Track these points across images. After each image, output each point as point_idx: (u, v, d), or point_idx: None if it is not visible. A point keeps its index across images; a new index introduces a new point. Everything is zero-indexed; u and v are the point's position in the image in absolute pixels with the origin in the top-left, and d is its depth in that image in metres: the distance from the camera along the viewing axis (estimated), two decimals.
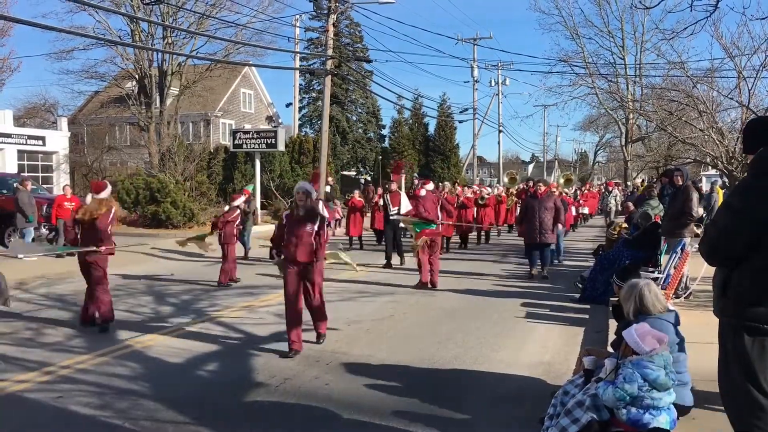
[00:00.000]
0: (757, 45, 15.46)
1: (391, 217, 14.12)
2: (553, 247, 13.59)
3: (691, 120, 17.17)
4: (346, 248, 17.01)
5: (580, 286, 10.60)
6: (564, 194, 19.46)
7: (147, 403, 5.49)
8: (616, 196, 24.79)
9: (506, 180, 23.94)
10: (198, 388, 6.03)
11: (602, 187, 36.01)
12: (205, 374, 6.49)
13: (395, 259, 14.97)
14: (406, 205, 12.57)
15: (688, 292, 9.22)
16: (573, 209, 22.04)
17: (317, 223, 7.18)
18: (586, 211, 28.08)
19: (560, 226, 12.69)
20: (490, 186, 28.63)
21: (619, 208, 23.61)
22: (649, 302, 4.56)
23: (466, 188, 20.41)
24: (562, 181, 23.46)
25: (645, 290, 4.62)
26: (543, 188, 13.21)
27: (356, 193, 19.61)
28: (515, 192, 23.01)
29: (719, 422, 4.39)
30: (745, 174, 3.72)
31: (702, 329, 7.15)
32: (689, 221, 9.21)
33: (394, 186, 14.26)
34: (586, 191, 30.46)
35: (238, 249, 13.56)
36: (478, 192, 20.65)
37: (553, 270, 13.39)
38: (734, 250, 3.29)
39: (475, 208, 19.28)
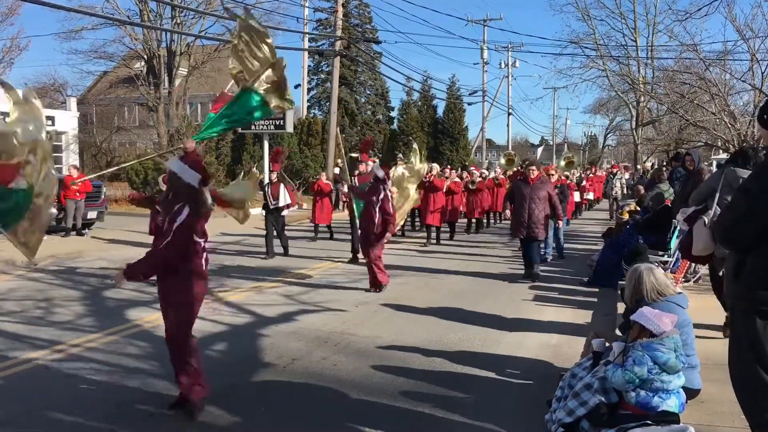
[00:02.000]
0: None
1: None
2: (550, 241, 12.57)
3: (703, 103, 17.04)
4: (312, 239, 16.16)
5: (591, 268, 10.58)
6: (565, 178, 17.72)
7: (156, 382, 5.53)
8: (621, 179, 22.51)
9: (503, 161, 20.34)
10: (206, 367, 6.00)
11: (608, 170, 33.45)
12: (213, 354, 6.51)
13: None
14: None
15: (697, 276, 9.17)
16: (576, 194, 20.85)
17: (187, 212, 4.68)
18: (591, 196, 26.57)
19: (560, 223, 10.57)
20: (487, 169, 26.10)
21: (625, 191, 22.12)
22: (648, 288, 4.52)
23: (453, 171, 18.15)
24: (563, 163, 21.15)
25: (645, 276, 4.60)
26: (536, 172, 10.67)
27: (323, 176, 17.54)
28: (510, 175, 19.69)
29: (728, 406, 4.38)
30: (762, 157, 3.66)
31: (711, 313, 7.14)
32: None
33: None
34: (591, 175, 28.48)
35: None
36: (470, 174, 18.74)
37: (564, 253, 13.31)
38: (749, 234, 3.25)
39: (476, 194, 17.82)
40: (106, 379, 5.59)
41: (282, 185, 13.28)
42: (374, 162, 15.72)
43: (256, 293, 9.36)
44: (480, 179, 18.00)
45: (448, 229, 16.80)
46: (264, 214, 13.48)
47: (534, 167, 10.78)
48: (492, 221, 20.71)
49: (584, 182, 24.07)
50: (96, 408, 4.98)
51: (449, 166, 25.43)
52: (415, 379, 5.62)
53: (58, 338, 6.87)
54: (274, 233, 13.34)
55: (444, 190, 15.75)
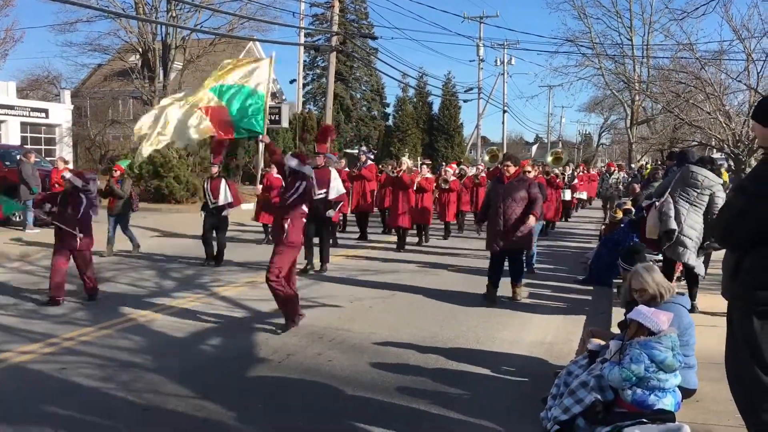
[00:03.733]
0: (767, 28, 15.31)
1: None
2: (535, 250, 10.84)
3: (698, 102, 17.08)
4: (261, 241, 13.96)
5: (585, 267, 10.60)
6: (554, 176, 16.35)
7: (150, 376, 5.51)
8: (617, 178, 20.66)
9: (486, 158, 17.37)
10: (200, 362, 6.03)
11: (602, 169, 31.00)
12: (208, 349, 6.50)
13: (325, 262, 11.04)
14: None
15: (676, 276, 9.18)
16: (566, 193, 19.65)
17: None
18: (584, 196, 25.13)
19: (532, 219, 8.39)
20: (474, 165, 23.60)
21: (620, 191, 20.22)
22: (656, 288, 4.52)
23: (424, 166, 15.21)
24: (550, 159, 19.46)
25: (632, 277, 4.60)
26: (512, 168, 8.69)
27: (274, 169, 13.55)
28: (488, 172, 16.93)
29: (723, 405, 4.39)
30: (759, 156, 3.67)
31: (706, 312, 7.17)
32: None
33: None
34: (582, 173, 26.42)
35: (127, 244, 12.49)
36: (445, 172, 16.33)
37: (557, 252, 13.31)
38: (745, 233, 3.25)
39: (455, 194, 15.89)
40: (100, 373, 5.57)
41: (224, 181, 11.42)
42: (336, 155, 14.87)
43: (251, 288, 9.33)
44: (454, 178, 15.90)
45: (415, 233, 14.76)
46: (203, 214, 11.61)
47: (509, 162, 8.78)
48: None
49: (576, 180, 22.84)
50: (90, 402, 4.96)
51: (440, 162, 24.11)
52: (411, 376, 5.61)
53: (52, 332, 6.84)
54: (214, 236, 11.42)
55: (414, 188, 13.89)
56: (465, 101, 47.71)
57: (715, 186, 7.23)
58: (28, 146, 23.97)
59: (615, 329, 5.63)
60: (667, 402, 3.85)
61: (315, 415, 4.80)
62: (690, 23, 32.37)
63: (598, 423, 3.91)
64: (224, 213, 11.50)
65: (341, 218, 15.50)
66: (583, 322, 7.58)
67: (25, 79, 38.16)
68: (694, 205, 7.23)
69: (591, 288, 9.73)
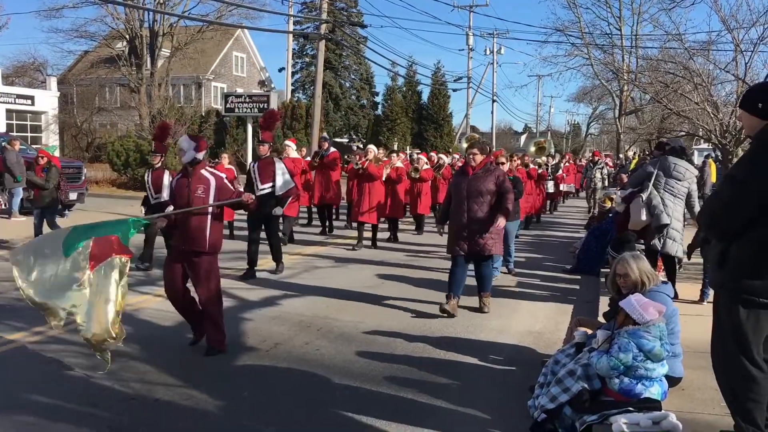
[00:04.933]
0: (756, 18, 15.32)
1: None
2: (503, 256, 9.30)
3: (686, 93, 17.08)
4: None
5: (573, 256, 10.65)
6: (534, 167, 15.31)
7: (137, 365, 5.48)
8: (602, 169, 18.97)
9: (465, 145, 14.69)
10: (188, 350, 6.01)
11: (586, 159, 28.28)
12: None
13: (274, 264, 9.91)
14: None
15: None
16: (550, 185, 18.79)
17: None
18: (571, 188, 23.79)
19: (501, 221, 7.16)
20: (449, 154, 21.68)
21: (606, 183, 18.30)
22: (642, 275, 4.53)
23: (395, 155, 14.19)
24: (533, 149, 18.31)
25: (618, 265, 4.62)
26: (479, 157, 7.35)
27: (225, 159, 12.81)
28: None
29: (708, 393, 4.44)
30: (747, 146, 3.68)
31: (692, 301, 7.22)
32: None
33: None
34: (568, 164, 24.33)
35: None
36: (418, 160, 14.79)
37: (544, 241, 13.34)
38: (736, 222, 3.26)
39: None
40: (86, 362, 5.52)
41: (167, 173, 9.51)
42: (291, 145, 13.26)
43: (238, 278, 9.30)
44: (427, 167, 14.64)
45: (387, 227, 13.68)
46: (143, 210, 9.90)
47: (476, 150, 7.39)
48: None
49: (561, 171, 21.31)
50: (76, 390, 4.93)
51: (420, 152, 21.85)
52: (399, 365, 5.62)
53: (37, 321, 6.77)
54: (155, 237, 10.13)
55: (383, 179, 12.60)
56: (454, 90, 47.74)
57: (693, 177, 7.45)
58: (14, 133, 23.73)
59: (602, 318, 5.66)
60: (654, 391, 3.87)
61: (303, 403, 4.80)
62: (679, 13, 32.46)
63: (585, 411, 3.92)
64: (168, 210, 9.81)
65: (303, 211, 14.52)
66: (571, 311, 7.62)
67: (11, 66, 37.85)
68: (678, 197, 7.38)
69: (579, 277, 9.77)
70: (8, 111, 29.65)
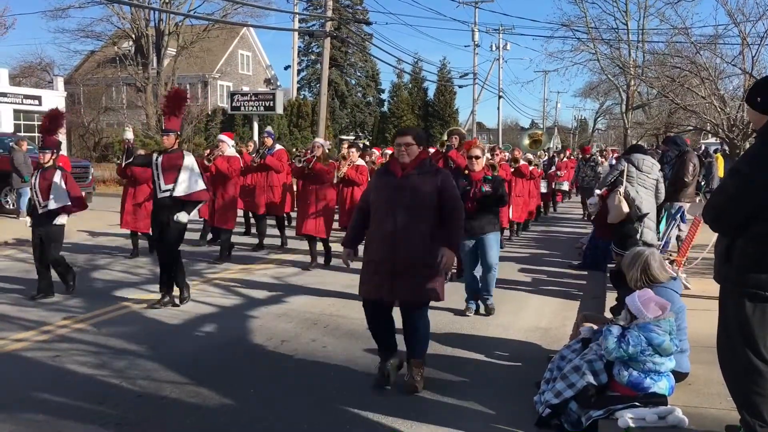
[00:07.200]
0: (762, 11, 15.27)
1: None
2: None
3: (693, 87, 17.00)
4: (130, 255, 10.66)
5: (580, 252, 10.62)
6: (524, 164, 12.86)
7: (144, 363, 5.50)
8: (594, 166, 16.59)
9: (449, 140, 10.01)
10: (195, 348, 6.03)
11: (592, 155, 21.51)
12: (203, 335, 6.50)
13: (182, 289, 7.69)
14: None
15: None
16: (543, 184, 16.12)
17: None
18: (565, 186, 19.52)
19: (448, 255, 4.76)
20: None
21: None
22: (656, 271, 4.52)
23: (353, 150, 10.80)
24: (526, 141, 16.44)
25: (651, 259, 4.59)
26: (414, 149, 4.84)
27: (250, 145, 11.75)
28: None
29: (715, 388, 4.42)
30: (753, 140, 3.66)
31: (700, 295, 7.18)
32: (683, 186, 9.35)
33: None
34: (565, 159, 20.73)
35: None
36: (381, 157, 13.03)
37: (551, 237, 13.26)
38: (740, 216, 3.25)
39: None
40: (94, 360, 5.56)
41: (59, 173, 7.67)
42: (226, 140, 10.62)
43: (246, 275, 9.33)
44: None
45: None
46: (29, 222, 7.91)
47: (408, 138, 4.84)
48: None
49: (554, 168, 18.07)
50: (83, 389, 4.96)
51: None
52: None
53: (46, 319, 6.83)
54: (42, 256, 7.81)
55: (336, 181, 10.16)
56: (460, 87, 47.97)
57: (657, 171, 8.39)
58: (22, 134, 23.85)
59: (609, 314, 5.65)
60: (662, 385, 3.87)
61: (309, 400, 4.81)
62: (685, 7, 32.35)
63: (590, 407, 3.93)
64: (57, 221, 7.71)
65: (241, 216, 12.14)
66: (577, 307, 7.60)
67: (18, 66, 38.00)
68: (649, 189, 8.21)
69: (585, 273, 9.75)
70: (16, 111, 29.75)
